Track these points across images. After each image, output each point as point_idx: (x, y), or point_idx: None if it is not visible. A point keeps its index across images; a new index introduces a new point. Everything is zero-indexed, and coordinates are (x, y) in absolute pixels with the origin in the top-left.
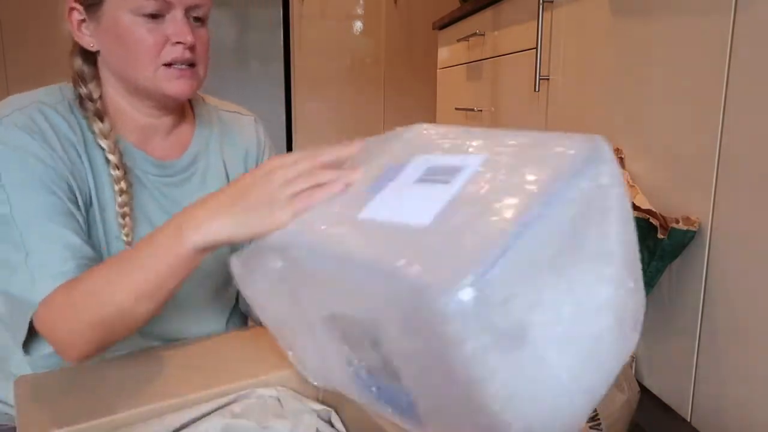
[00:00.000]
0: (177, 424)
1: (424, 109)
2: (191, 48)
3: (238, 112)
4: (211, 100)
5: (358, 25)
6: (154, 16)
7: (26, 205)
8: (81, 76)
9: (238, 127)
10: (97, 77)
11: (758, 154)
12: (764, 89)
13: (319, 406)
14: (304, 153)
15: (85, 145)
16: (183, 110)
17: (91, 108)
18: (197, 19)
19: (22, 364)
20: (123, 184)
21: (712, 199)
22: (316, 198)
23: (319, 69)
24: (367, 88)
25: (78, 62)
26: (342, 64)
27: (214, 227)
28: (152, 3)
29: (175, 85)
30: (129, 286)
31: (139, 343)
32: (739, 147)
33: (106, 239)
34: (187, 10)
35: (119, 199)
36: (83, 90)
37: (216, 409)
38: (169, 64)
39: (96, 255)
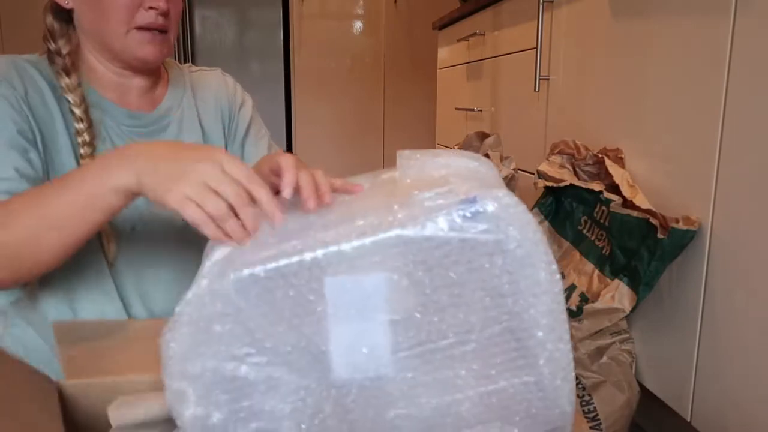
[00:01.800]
0: None
1: (424, 109)
2: (164, 14)
3: (203, 70)
4: (182, 66)
5: (358, 25)
6: None
7: None
8: (51, 32)
9: (205, 82)
10: (66, 34)
11: (758, 154)
12: (764, 89)
13: None
14: (249, 176)
15: (57, 98)
16: (158, 73)
17: (60, 63)
18: None
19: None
20: (86, 136)
21: (712, 199)
22: (207, 230)
23: (319, 69)
24: (367, 88)
25: (49, 18)
26: (342, 64)
27: (129, 174)
28: None
29: (146, 50)
30: (40, 211)
31: None
32: (739, 147)
33: None
34: None
35: (81, 150)
36: (52, 45)
37: None
38: (140, 28)
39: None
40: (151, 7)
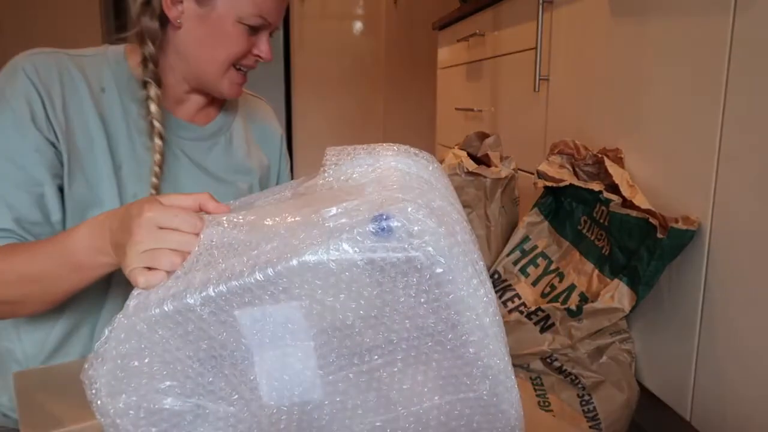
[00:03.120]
0: None
1: (424, 109)
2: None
3: (254, 96)
4: None
5: (358, 25)
6: (255, 30)
7: (4, 143)
8: (152, 35)
9: (258, 110)
10: (161, 42)
11: (758, 154)
12: (764, 89)
13: None
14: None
15: (100, 101)
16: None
17: (151, 69)
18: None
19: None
20: (157, 158)
21: (712, 198)
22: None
23: (319, 69)
24: (367, 88)
25: (156, 24)
26: (342, 64)
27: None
28: (259, 20)
29: (235, 89)
30: (14, 266)
31: None
32: (739, 147)
33: (120, 197)
34: (272, 31)
35: (156, 168)
36: (149, 49)
37: None
38: (235, 67)
39: (27, 237)
40: (256, 55)
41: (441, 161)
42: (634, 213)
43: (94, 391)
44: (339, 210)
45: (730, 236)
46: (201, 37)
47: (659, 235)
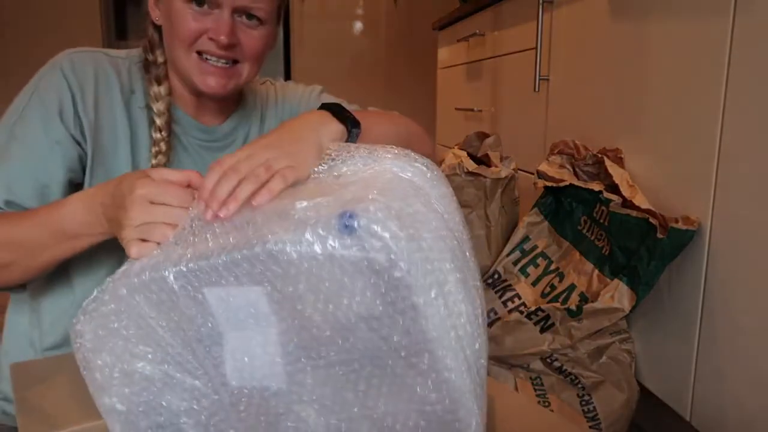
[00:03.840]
0: None
1: (424, 109)
2: (228, 47)
3: (304, 90)
4: (279, 86)
5: (358, 25)
6: (200, 4)
7: (28, 131)
8: (151, 42)
9: (294, 99)
10: (162, 46)
11: (758, 154)
12: (764, 89)
13: None
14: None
15: (129, 104)
16: (236, 96)
17: (153, 72)
18: (253, 18)
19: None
20: (162, 146)
21: (712, 198)
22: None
23: (319, 69)
24: (367, 88)
25: (150, 30)
26: (342, 64)
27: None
28: None
29: (206, 80)
30: (14, 238)
31: None
32: (739, 147)
33: None
34: (236, 10)
35: (154, 161)
36: (150, 56)
37: None
38: (200, 54)
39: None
40: (211, 38)
41: (441, 161)
42: (634, 213)
43: (78, 345)
44: (310, 203)
45: (730, 236)
46: (167, 29)
47: (659, 235)
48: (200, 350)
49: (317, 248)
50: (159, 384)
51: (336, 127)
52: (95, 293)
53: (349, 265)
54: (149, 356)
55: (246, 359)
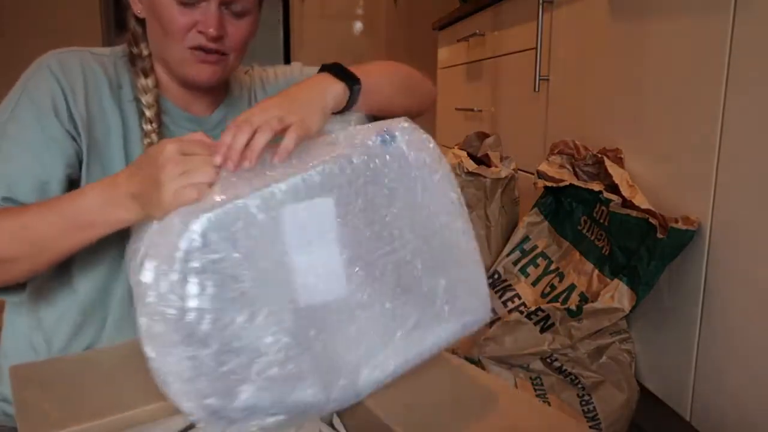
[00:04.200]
0: (180, 426)
1: None
2: (217, 39)
3: (285, 68)
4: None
5: (358, 25)
6: (186, 3)
7: (22, 129)
8: (134, 35)
9: (281, 78)
10: (147, 39)
11: (758, 154)
12: (764, 89)
13: None
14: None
15: (119, 99)
16: (221, 86)
17: (140, 65)
18: (239, 8)
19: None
20: (154, 137)
21: (712, 198)
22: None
23: None
24: None
25: (132, 22)
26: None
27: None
28: None
29: (198, 69)
30: (15, 221)
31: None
32: (739, 147)
33: None
34: (222, 2)
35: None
36: (135, 49)
37: None
38: (194, 48)
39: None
40: (200, 31)
41: None
42: (634, 213)
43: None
44: (348, 132)
45: (730, 236)
46: (153, 24)
47: (659, 235)
48: (273, 278)
49: (375, 155)
50: (240, 317)
51: (338, 86)
52: (154, 226)
53: (402, 159)
54: (233, 286)
55: (312, 277)
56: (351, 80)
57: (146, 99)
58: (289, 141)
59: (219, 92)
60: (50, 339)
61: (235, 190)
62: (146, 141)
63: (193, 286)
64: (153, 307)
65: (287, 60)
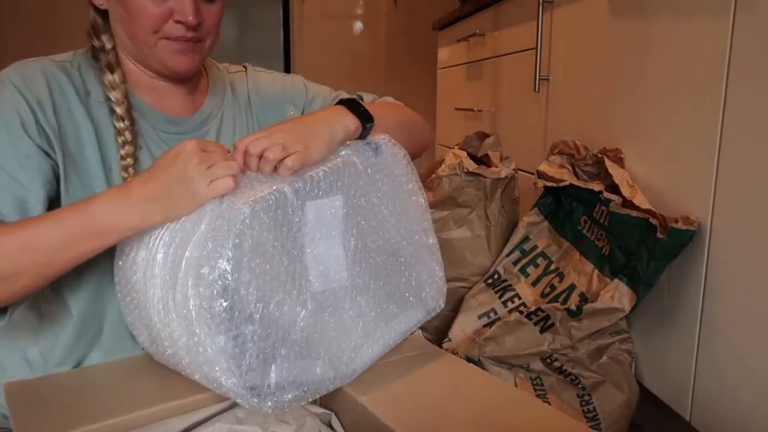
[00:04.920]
0: (180, 428)
1: (424, 109)
2: (196, 26)
3: (240, 71)
4: (221, 66)
5: (358, 25)
6: None
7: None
8: (94, 27)
9: (259, 83)
10: (109, 31)
11: (758, 153)
12: (764, 89)
13: (320, 410)
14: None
15: (88, 105)
16: (196, 77)
17: (103, 59)
18: None
19: (21, 371)
20: (127, 135)
21: (712, 198)
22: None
23: (319, 69)
24: (367, 89)
25: (92, 13)
26: (342, 64)
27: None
28: None
29: (176, 59)
30: (17, 236)
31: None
32: (739, 147)
33: None
34: None
35: (122, 151)
36: (96, 42)
37: (219, 413)
38: (169, 38)
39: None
40: (178, 21)
41: (441, 161)
42: (634, 213)
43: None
44: (340, 149)
45: (730, 236)
46: (121, 16)
47: (659, 235)
48: (299, 263)
49: (367, 159)
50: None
51: (352, 122)
52: (207, 207)
53: (387, 168)
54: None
55: (327, 263)
56: (365, 118)
57: (114, 95)
58: (292, 162)
59: (193, 85)
60: (46, 353)
61: (260, 185)
62: (120, 139)
63: (244, 266)
64: (206, 280)
65: (287, 60)
